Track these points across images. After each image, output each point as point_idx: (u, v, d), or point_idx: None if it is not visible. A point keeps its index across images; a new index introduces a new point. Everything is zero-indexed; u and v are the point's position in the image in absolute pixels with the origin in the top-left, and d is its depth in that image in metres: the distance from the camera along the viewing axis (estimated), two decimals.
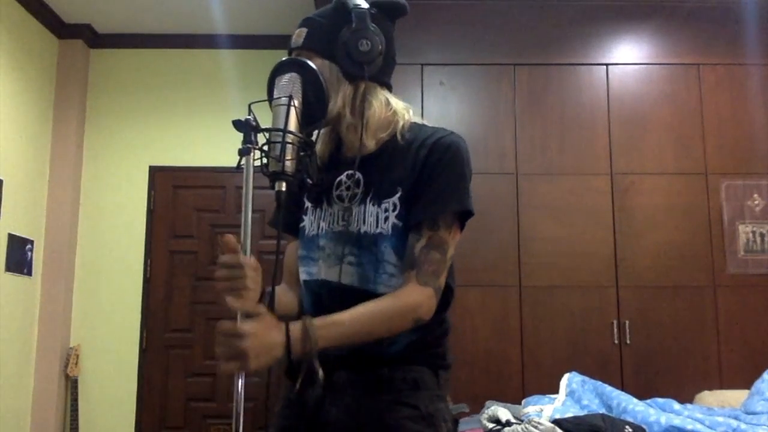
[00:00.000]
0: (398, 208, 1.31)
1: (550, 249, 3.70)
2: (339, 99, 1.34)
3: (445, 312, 1.38)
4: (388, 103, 1.39)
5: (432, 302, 1.28)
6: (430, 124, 1.41)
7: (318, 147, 1.43)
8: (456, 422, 3.01)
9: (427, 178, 1.31)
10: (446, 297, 1.36)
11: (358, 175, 1.36)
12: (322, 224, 1.38)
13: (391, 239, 1.31)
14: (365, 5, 1.37)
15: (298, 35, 1.36)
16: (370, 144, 1.36)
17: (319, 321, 1.20)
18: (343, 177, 1.38)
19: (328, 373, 1.29)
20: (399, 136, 1.37)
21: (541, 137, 3.83)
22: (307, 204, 1.44)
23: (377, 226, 1.32)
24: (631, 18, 3.93)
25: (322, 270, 1.37)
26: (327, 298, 1.35)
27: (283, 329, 1.16)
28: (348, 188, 1.36)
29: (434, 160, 1.32)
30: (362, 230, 1.33)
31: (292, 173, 1.22)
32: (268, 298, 1.27)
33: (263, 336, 1.13)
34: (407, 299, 1.26)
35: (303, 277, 1.41)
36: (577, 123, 3.84)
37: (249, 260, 1.16)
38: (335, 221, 1.36)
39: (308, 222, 1.42)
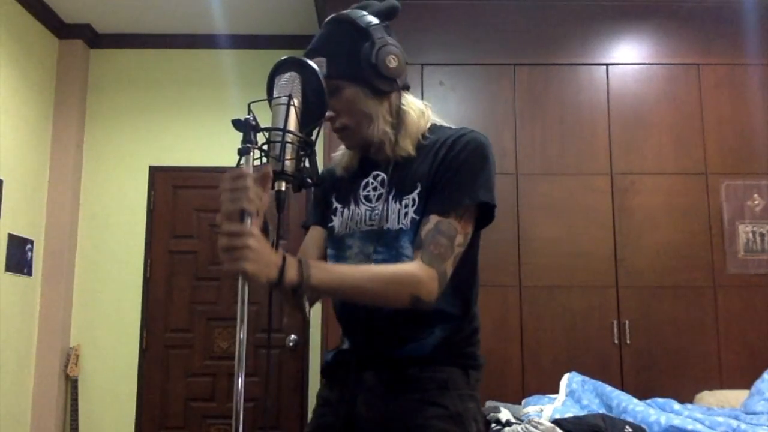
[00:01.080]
0: (417, 203, 1.35)
1: (550, 249, 3.70)
2: (381, 122, 1.38)
3: (472, 309, 1.43)
4: (417, 107, 1.43)
5: (434, 285, 1.28)
6: (453, 126, 1.44)
7: (344, 159, 1.48)
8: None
9: (443, 173, 1.34)
10: (469, 293, 1.42)
11: (383, 175, 1.40)
12: (350, 224, 1.43)
13: (409, 233, 1.34)
14: (375, 20, 1.38)
15: (319, 65, 1.33)
16: (411, 149, 1.39)
17: (314, 262, 1.22)
18: (369, 179, 1.43)
19: (359, 372, 1.35)
20: (421, 137, 1.41)
21: (541, 137, 3.83)
22: (336, 205, 1.47)
23: (398, 222, 1.36)
24: (631, 18, 3.93)
25: None
26: None
27: (281, 254, 1.17)
28: (375, 189, 1.41)
29: (452, 155, 1.34)
30: (385, 227, 1.37)
31: (292, 173, 1.22)
32: (273, 239, 1.27)
33: (264, 247, 1.14)
34: (408, 271, 1.27)
35: None
36: (577, 123, 3.84)
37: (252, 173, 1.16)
38: (363, 221, 1.41)
39: (337, 222, 1.46)
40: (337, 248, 1.45)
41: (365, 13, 1.39)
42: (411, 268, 1.27)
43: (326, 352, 1.37)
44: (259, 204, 1.15)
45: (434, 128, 1.43)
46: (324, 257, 1.48)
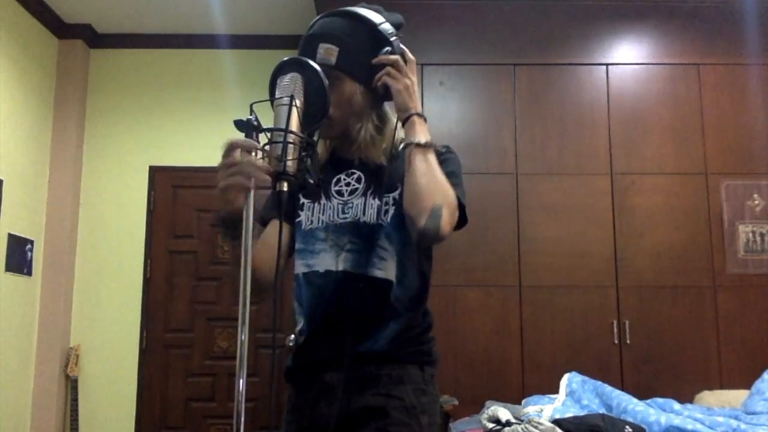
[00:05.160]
0: (398, 202, 1.40)
1: (550, 249, 3.70)
2: (370, 126, 1.45)
3: (425, 304, 1.46)
4: (395, 121, 1.48)
5: (454, 217, 1.33)
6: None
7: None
8: (447, 416, 3.01)
9: None
10: (423, 289, 1.44)
11: (359, 173, 1.45)
12: (322, 218, 1.45)
13: (387, 228, 1.40)
14: (394, 30, 1.42)
15: (328, 53, 1.38)
16: (383, 158, 1.44)
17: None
18: (342, 175, 1.47)
19: (319, 374, 1.39)
20: (393, 149, 1.46)
21: (541, 137, 3.83)
22: (303, 200, 1.49)
23: (377, 218, 1.40)
24: (631, 18, 3.93)
25: (323, 260, 1.42)
26: (327, 286, 1.41)
27: None
28: (348, 185, 1.45)
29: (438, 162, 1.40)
30: (361, 220, 1.41)
31: (294, 173, 1.22)
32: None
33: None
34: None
35: (301, 269, 1.46)
36: (577, 123, 3.84)
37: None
38: (335, 214, 1.44)
39: (305, 217, 1.48)
40: (305, 242, 1.46)
41: (384, 19, 1.42)
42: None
43: (288, 357, 1.45)
44: (264, 178, 1.18)
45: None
46: (292, 248, 1.49)
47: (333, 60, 1.38)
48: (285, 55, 1.35)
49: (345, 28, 1.41)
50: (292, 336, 1.49)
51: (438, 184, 1.32)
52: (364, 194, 1.43)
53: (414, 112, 1.38)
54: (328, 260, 1.41)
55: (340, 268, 1.40)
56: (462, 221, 1.40)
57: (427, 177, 1.32)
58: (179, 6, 4.33)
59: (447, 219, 1.29)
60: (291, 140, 1.21)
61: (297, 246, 1.48)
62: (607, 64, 3.90)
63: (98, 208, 4.57)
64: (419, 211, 1.29)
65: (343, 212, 1.43)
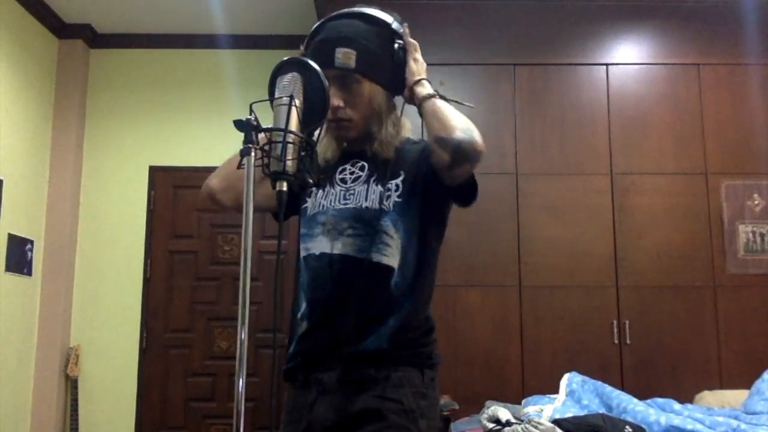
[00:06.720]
0: (401, 188, 1.43)
1: (550, 249, 3.70)
2: (390, 125, 1.48)
3: (428, 308, 1.46)
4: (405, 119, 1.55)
5: (481, 140, 1.35)
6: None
7: (328, 153, 1.52)
8: (447, 419, 3.02)
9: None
10: (428, 292, 1.46)
11: (362, 162, 1.48)
12: (324, 203, 1.47)
13: (391, 214, 1.41)
14: (402, 27, 1.46)
15: (346, 56, 1.41)
16: (392, 153, 1.47)
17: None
18: (347, 165, 1.50)
19: (317, 374, 1.39)
20: (399, 143, 1.51)
21: (541, 137, 3.83)
22: (311, 189, 1.51)
23: (379, 203, 1.41)
24: (631, 18, 3.93)
25: (321, 244, 1.44)
26: (324, 270, 1.42)
27: None
28: (351, 173, 1.48)
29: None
30: (363, 206, 1.43)
31: (294, 173, 1.22)
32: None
33: None
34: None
35: (302, 254, 1.49)
36: (577, 123, 3.84)
37: None
38: (336, 200, 1.46)
39: (310, 203, 1.51)
40: (307, 227, 1.49)
41: (393, 18, 1.46)
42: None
43: (289, 346, 1.47)
44: None
45: (409, 140, 1.54)
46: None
47: (353, 64, 1.41)
48: (285, 55, 1.35)
49: (359, 31, 1.43)
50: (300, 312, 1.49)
51: (465, 117, 1.37)
52: (367, 181, 1.45)
53: (425, 78, 1.45)
54: (324, 243, 1.43)
55: (339, 251, 1.41)
56: (474, 191, 1.45)
57: (455, 111, 1.38)
58: (179, 6, 4.33)
59: (479, 137, 1.34)
60: (290, 140, 1.22)
61: (301, 231, 1.51)
62: (607, 64, 3.90)
63: (98, 208, 4.57)
64: (452, 127, 1.34)
65: (345, 198, 1.45)
